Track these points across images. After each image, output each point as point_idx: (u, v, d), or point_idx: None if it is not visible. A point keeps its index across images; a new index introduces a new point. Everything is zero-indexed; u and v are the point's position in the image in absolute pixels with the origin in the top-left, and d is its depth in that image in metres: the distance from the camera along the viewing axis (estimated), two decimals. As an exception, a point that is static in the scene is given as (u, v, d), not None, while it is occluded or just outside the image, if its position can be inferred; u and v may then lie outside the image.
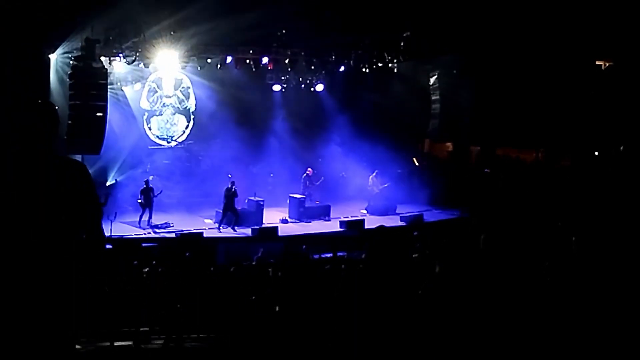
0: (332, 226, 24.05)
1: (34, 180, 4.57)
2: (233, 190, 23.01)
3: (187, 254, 16.34)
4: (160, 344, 11.67)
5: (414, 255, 10.23)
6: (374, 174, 26.58)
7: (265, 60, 25.08)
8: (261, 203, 24.02)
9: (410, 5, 24.93)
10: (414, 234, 17.82)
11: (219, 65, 24.63)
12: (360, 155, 26.86)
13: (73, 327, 4.87)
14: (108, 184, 23.59)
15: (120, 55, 22.46)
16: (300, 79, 26.95)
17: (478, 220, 21.18)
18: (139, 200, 22.75)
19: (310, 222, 24.50)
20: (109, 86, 22.12)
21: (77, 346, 10.88)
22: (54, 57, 22.12)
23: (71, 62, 21.60)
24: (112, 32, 21.84)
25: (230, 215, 22.95)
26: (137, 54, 22.40)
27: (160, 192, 23.18)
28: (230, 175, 23.54)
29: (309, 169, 26.30)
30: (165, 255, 17.49)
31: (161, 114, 25.84)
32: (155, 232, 22.18)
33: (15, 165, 4.58)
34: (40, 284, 4.56)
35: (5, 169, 4.58)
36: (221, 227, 22.82)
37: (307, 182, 26.07)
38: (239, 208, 23.51)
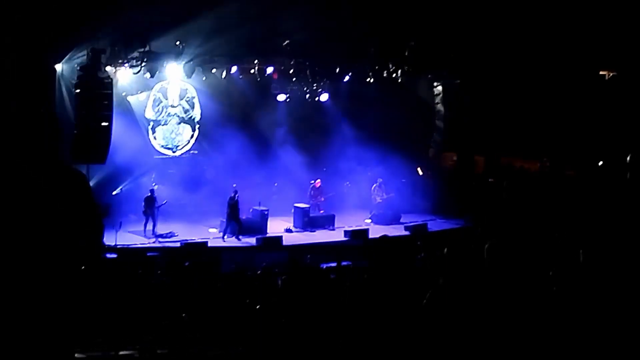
0: (336, 236, 24.05)
1: (33, 189, 4.59)
2: (236, 199, 23.04)
3: (186, 264, 16.36)
4: (165, 353, 11.67)
5: (417, 265, 10.24)
6: (377, 183, 26.61)
7: (269, 70, 25.15)
8: (265, 212, 24.03)
9: (414, 16, 24.97)
10: (417, 244, 17.81)
11: (224, 75, 24.70)
12: (365, 164, 26.89)
13: (72, 336, 4.88)
14: (113, 193, 23.65)
15: (126, 65, 22.57)
16: (305, 88, 26.99)
17: (482, 229, 21.16)
18: (144, 210, 22.80)
19: (314, 231, 24.51)
20: (114, 96, 22.20)
21: (81, 355, 10.90)
22: (59, 67, 22.23)
23: (77, 72, 21.72)
24: (117, 42, 21.96)
25: (234, 224, 22.96)
26: (143, 64, 22.49)
27: (165, 203, 23.22)
28: (234, 185, 23.57)
29: (318, 180, 26.30)
30: (169, 264, 17.51)
31: (166, 124, 25.87)
32: (159, 242, 22.20)
33: (15, 174, 4.60)
34: (38, 293, 4.57)
35: (5, 177, 4.60)
36: (225, 237, 22.83)
37: (317, 193, 26.07)
38: (244, 217, 23.52)
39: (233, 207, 22.95)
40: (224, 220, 23.15)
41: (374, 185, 26.65)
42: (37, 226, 4.55)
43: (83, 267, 4.80)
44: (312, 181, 26.32)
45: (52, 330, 4.63)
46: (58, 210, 4.61)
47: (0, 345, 4.52)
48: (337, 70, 26.39)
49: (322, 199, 26.26)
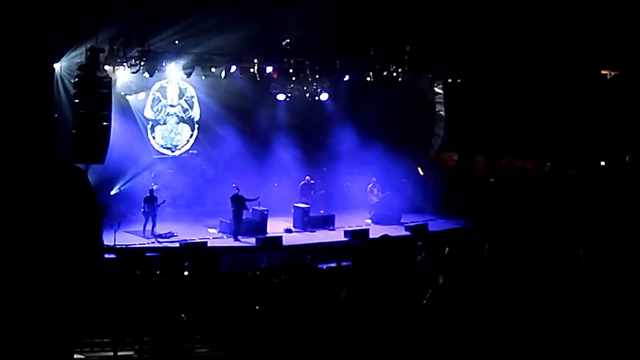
0: (336, 236, 23.99)
1: (30, 189, 4.54)
2: (239, 195, 22.94)
3: (186, 264, 16.33)
4: (164, 354, 11.63)
5: (418, 265, 10.18)
6: (372, 183, 26.58)
7: (269, 69, 25.07)
8: (265, 212, 23.99)
9: (414, 16, 24.95)
10: (418, 244, 17.75)
11: (223, 75, 24.65)
12: (365, 164, 26.86)
13: (72, 338, 4.83)
14: (112, 193, 23.63)
15: (125, 64, 22.52)
16: (305, 88, 26.96)
17: (483, 229, 21.13)
18: (143, 210, 22.75)
19: (314, 231, 24.45)
20: (112, 95, 22.17)
21: (80, 356, 10.87)
22: (58, 66, 22.19)
23: (76, 71, 21.68)
24: (116, 41, 21.94)
25: (237, 224, 22.86)
26: (142, 63, 22.45)
27: (164, 202, 23.18)
28: (234, 185, 23.55)
29: (307, 176, 26.25)
30: (169, 264, 17.46)
31: (165, 123, 25.87)
32: (159, 242, 22.16)
33: (11, 173, 4.55)
34: (37, 293, 4.52)
35: (6, 177, 4.55)
36: (225, 236, 22.77)
37: (308, 190, 26.02)
38: (244, 217, 23.48)
39: (238, 206, 22.85)
40: (225, 220, 23.10)
41: (369, 184, 26.62)
42: (36, 226, 4.51)
43: (82, 267, 4.75)
44: (311, 180, 26.30)
45: (52, 331, 4.59)
46: (57, 209, 4.56)
47: (1, 346, 4.47)
48: (337, 69, 26.34)
49: (312, 193, 26.20)
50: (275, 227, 24.17)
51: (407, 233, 24.30)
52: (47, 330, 4.57)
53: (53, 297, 4.58)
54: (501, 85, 27.00)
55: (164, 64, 23.05)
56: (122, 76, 23.39)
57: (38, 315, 4.53)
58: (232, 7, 22.29)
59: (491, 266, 6.23)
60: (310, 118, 27.38)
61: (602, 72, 27.54)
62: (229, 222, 23.11)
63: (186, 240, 21.81)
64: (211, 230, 23.60)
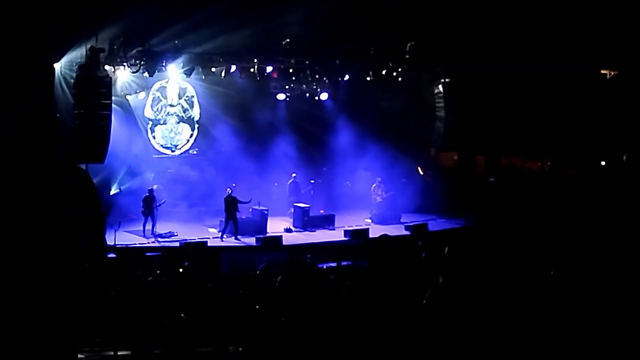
0: (336, 235, 24.00)
1: (36, 188, 4.56)
2: (231, 196, 22.90)
3: (185, 264, 16.33)
4: (163, 353, 11.63)
5: (418, 265, 10.19)
6: (376, 183, 26.59)
7: (269, 69, 25.08)
8: (265, 212, 23.99)
9: (414, 15, 24.93)
10: (418, 244, 17.76)
11: (223, 74, 24.64)
12: (365, 164, 26.86)
13: (75, 335, 4.85)
14: (112, 193, 23.63)
15: (125, 64, 22.52)
16: (305, 87, 26.96)
17: (483, 229, 21.13)
18: (142, 210, 22.73)
19: (314, 231, 24.45)
20: (113, 95, 22.16)
21: (80, 355, 10.87)
22: (58, 66, 22.17)
23: (76, 71, 21.66)
24: (116, 41, 21.94)
25: (231, 224, 22.81)
26: (142, 63, 22.44)
27: (164, 202, 23.17)
28: (234, 185, 23.53)
29: (293, 174, 26.22)
30: (169, 264, 17.47)
31: (165, 123, 25.86)
32: (159, 241, 22.16)
33: (16, 173, 4.58)
34: (41, 290, 4.54)
35: (7, 177, 4.57)
36: (224, 237, 22.75)
37: (295, 189, 25.95)
38: (244, 217, 23.46)
39: (230, 205, 22.82)
40: (224, 220, 23.12)
41: (374, 184, 26.63)
42: (39, 226, 4.53)
43: (85, 266, 4.78)
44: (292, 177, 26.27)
45: (55, 329, 4.61)
46: (60, 210, 4.59)
47: (4, 345, 4.50)
48: (337, 69, 26.33)
49: (308, 187, 26.20)
50: (275, 226, 24.19)
51: (407, 233, 24.32)
52: (50, 330, 4.59)
53: (55, 296, 4.60)
54: (501, 85, 26.97)
55: (164, 64, 23.04)
56: (122, 76, 23.39)
57: (41, 315, 4.55)
58: (232, 7, 22.26)
59: (491, 266, 6.23)
60: (310, 118, 27.38)
61: (602, 72, 27.51)
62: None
63: (186, 240, 21.81)
64: (211, 230, 23.60)
